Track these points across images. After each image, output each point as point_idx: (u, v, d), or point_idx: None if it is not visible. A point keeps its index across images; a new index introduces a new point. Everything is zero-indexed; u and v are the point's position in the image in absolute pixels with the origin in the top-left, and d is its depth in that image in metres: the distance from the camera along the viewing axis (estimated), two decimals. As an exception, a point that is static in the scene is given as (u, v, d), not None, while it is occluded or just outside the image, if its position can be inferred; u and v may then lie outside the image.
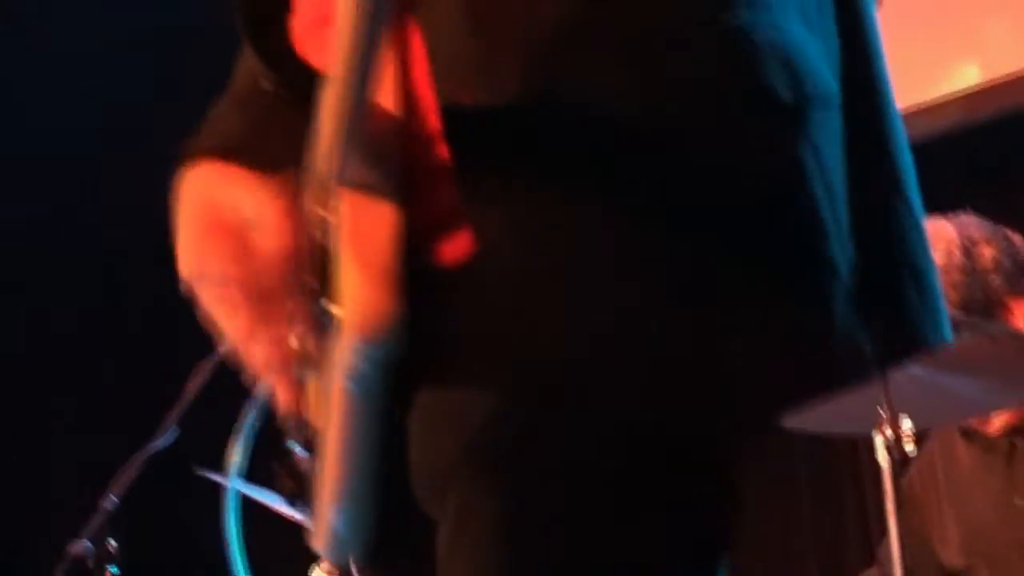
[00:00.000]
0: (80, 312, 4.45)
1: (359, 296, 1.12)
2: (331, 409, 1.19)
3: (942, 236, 3.06)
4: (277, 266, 1.19)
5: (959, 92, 4.33)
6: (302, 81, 1.27)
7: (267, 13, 1.31)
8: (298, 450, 1.30)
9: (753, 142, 1.08)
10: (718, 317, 1.06)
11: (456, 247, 1.13)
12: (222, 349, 1.28)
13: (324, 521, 1.23)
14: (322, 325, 1.21)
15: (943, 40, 4.44)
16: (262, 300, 1.21)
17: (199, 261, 1.23)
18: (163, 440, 3.23)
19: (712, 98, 1.07)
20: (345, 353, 1.14)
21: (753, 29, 1.09)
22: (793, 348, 1.08)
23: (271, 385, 1.25)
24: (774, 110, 1.08)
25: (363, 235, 1.13)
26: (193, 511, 4.25)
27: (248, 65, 1.36)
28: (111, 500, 3.31)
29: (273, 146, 1.27)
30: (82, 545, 3.30)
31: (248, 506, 3.15)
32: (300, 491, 1.30)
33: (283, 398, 1.24)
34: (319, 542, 1.25)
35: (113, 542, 3.30)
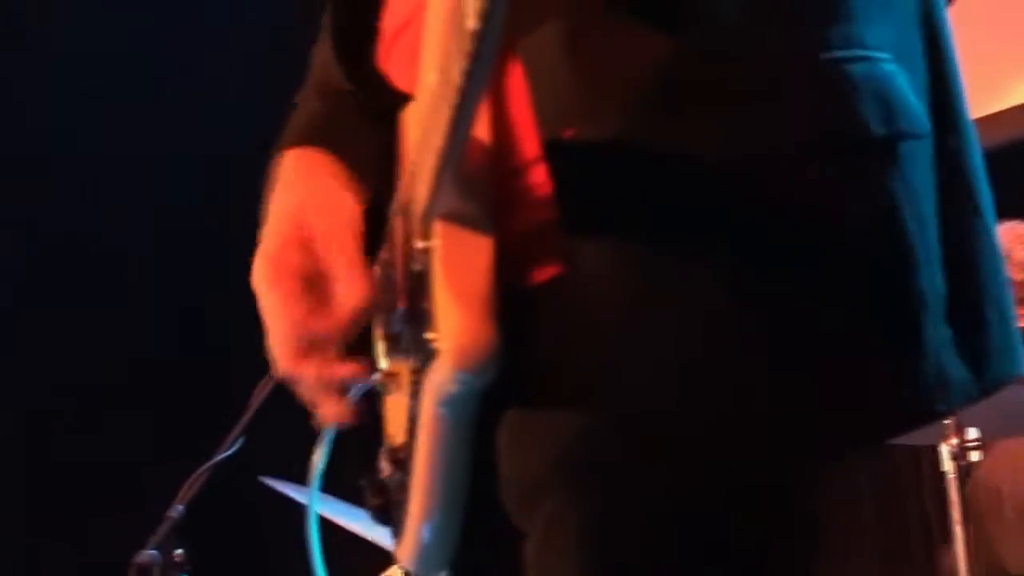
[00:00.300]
0: (155, 320, 4.47)
1: (456, 326, 1.14)
2: (422, 431, 1.21)
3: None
4: (343, 318, 1.21)
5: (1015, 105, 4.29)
6: (382, 96, 1.32)
7: (354, 26, 1.36)
8: (384, 466, 1.33)
9: (847, 177, 1.10)
10: (812, 351, 1.08)
11: (547, 271, 1.16)
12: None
13: (412, 536, 1.25)
14: (410, 347, 1.24)
15: (1003, 53, 4.40)
16: (316, 342, 1.23)
17: (268, 277, 1.25)
18: (230, 450, 3.25)
19: (807, 135, 1.09)
20: (440, 380, 1.16)
21: (848, 64, 1.11)
22: (886, 380, 1.10)
23: (319, 403, 1.27)
24: (868, 145, 1.10)
25: (460, 265, 1.15)
26: (258, 520, 4.29)
27: (325, 64, 1.40)
28: (177, 510, 3.33)
29: (356, 149, 1.31)
30: (148, 555, 3.32)
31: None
32: (385, 506, 1.34)
33: (331, 416, 1.27)
34: (405, 556, 1.27)
35: (180, 551, 3.32)
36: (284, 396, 2.99)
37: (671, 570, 1.10)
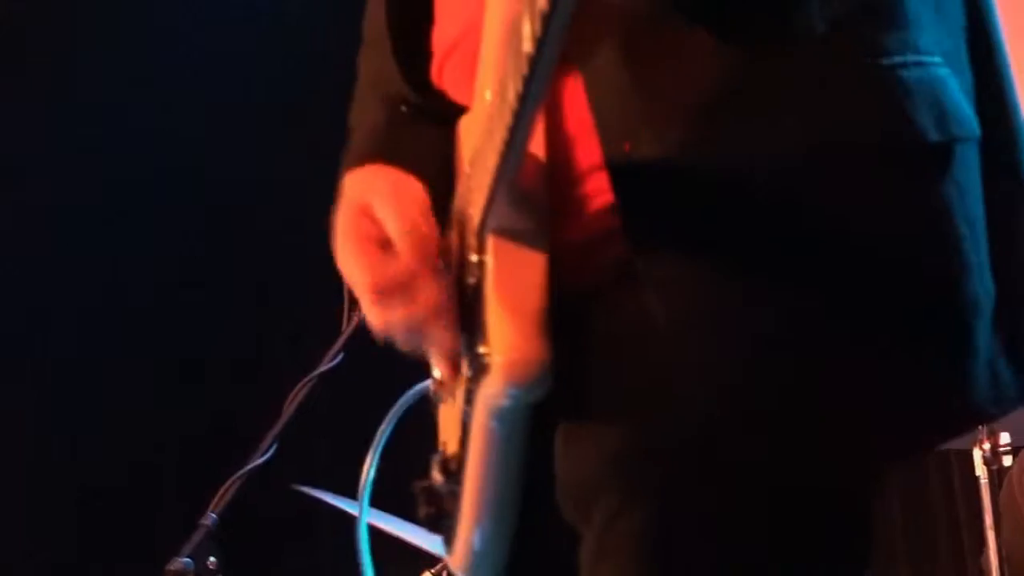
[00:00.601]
0: (186, 327, 4.49)
1: (508, 341, 1.15)
2: (474, 442, 1.23)
3: None
4: (407, 265, 1.24)
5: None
6: (441, 105, 1.35)
7: (413, 41, 1.39)
8: (436, 475, 1.35)
9: (903, 182, 1.11)
10: (867, 357, 1.10)
11: (604, 280, 1.17)
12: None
13: (464, 543, 1.27)
14: (468, 360, 1.25)
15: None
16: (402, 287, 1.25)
17: (342, 237, 1.29)
18: (263, 456, 3.26)
19: (864, 141, 1.11)
20: (491, 393, 1.18)
21: (903, 70, 1.12)
22: (939, 387, 1.12)
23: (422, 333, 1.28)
24: (923, 151, 1.11)
25: (513, 280, 1.16)
26: (292, 528, 4.31)
27: (381, 75, 1.44)
28: (211, 517, 3.34)
29: (423, 158, 1.34)
30: (181, 562, 3.33)
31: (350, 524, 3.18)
32: (437, 515, 1.35)
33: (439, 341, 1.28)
34: (457, 564, 1.29)
35: (213, 559, 3.32)
36: (317, 403, 3.01)
37: (731, 572, 1.11)
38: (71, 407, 4.36)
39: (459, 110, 1.34)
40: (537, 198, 1.18)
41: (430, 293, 1.23)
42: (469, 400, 1.23)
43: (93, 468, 4.37)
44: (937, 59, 1.15)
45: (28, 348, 4.38)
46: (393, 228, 1.24)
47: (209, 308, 4.50)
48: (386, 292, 1.24)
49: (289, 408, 3.26)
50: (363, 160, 1.37)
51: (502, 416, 1.18)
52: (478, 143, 1.18)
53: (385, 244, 1.25)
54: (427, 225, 1.24)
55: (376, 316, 1.26)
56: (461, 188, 1.29)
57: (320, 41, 3.63)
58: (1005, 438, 2.88)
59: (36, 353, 4.39)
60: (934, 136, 1.12)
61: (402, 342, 1.29)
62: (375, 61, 1.47)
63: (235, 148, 4.38)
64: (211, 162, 4.45)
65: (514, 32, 0.97)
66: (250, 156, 4.36)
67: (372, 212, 1.27)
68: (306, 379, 3.18)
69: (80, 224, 4.39)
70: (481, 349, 1.18)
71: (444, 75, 1.36)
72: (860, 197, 1.10)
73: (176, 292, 4.46)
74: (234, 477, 3.29)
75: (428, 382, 1.37)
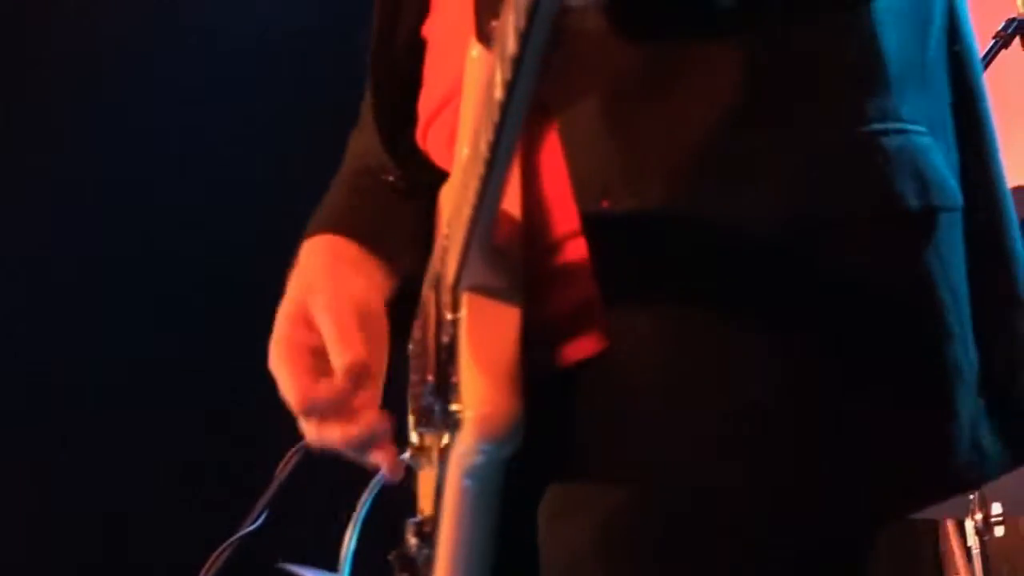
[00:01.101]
0: (173, 391, 4.45)
1: (480, 395, 1.14)
2: (447, 503, 1.20)
3: None
4: (339, 383, 1.23)
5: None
6: (423, 174, 1.35)
7: (396, 107, 1.38)
8: (410, 540, 1.33)
9: (883, 250, 1.11)
10: (850, 424, 1.09)
11: (585, 346, 1.16)
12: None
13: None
14: (439, 421, 1.23)
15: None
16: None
17: (278, 355, 1.29)
18: (254, 524, 3.23)
19: (843, 207, 1.11)
20: (464, 450, 1.16)
21: (884, 137, 1.12)
22: (921, 451, 1.11)
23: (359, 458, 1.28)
24: (903, 219, 1.12)
25: (486, 335, 1.15)
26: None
27: (363, 150, 1.44)
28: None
29: (385, 231, 1.35)
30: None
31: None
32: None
33: (378, 465, 1.28)
34: None
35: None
36: (306, 474, 2.97)
37: None
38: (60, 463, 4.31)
39: (441, 177, 1.34)
40: (511, 257, 1.17)
41: (368, 415, 1.24)
42: (443, 460, 1.21)
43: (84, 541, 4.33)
44: (921, 127, 1.15)
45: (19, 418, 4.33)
46: (329, 342, 1.23)
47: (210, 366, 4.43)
48: (317, 412, 1.25)
49: (280, 474, 3.23)
50: (322, 228, 1.37)
51: (474, 473, 1.17)
52: (455, 202, 1.17)
53: (320, 354, 1.25)
54: (364, 337, 1.23)
55: (310, 433, 1.27)
56: (438, 249, 1.29)
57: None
58: (997, 508, 2.86)
59: (24, 421, 4.34)
60: (915, 204, 1.12)
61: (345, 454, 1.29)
62: (361, 140, 1.47)
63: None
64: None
65: (489, 85, 0.98)
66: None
67: (310, 317, 1.27)
68: (295, 448, 3.16)
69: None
70: (453, 407, 1.17)
71: (428, 139, 1.36)
72: (842, 263, 1.10)
73: (175, 349, 4.42)
74: (225, 544, 3.26)
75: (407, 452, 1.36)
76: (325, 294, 1.28)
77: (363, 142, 1.46)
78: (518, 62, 0.90)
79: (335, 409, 1.24)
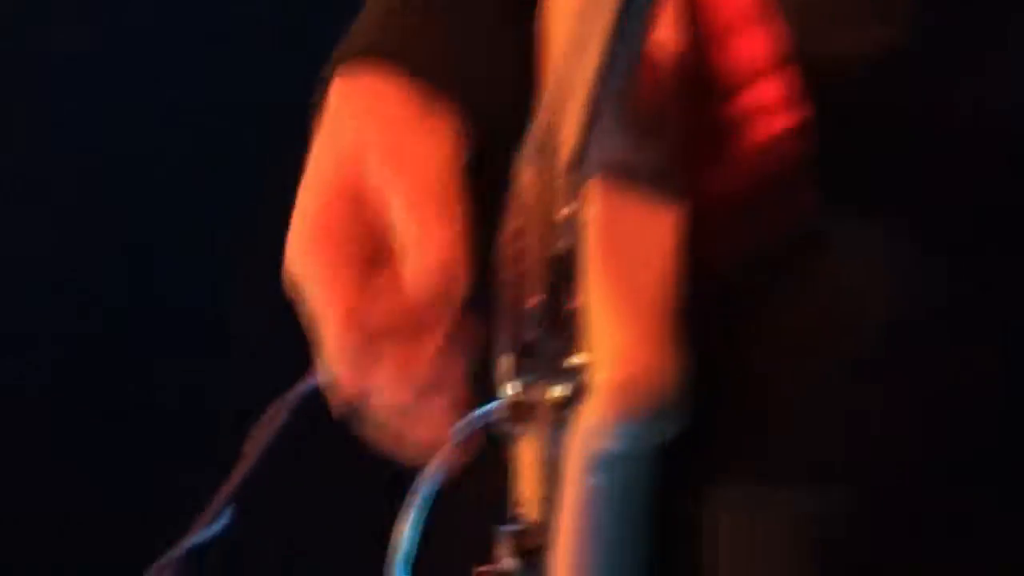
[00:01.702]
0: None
1: (619, 347, 0.89)
2: (566, 510, 0.94)
3: None
4: (418, 301, 0.97)
5: None
6: None
7: None
8: (505, 560, 1.01)
9: None
10: None
11: (769, 251, 0.93)
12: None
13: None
14: (549, 368, 0.96)
15: None
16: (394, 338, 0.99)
17: (307, 251, 1.00)
18: (214, 527, 2.99)
19: None
20: (595, 430, 0.90)
21: None
22: None
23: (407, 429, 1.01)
24: None
25: (628, 250, 0.91)
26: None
27: None
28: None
29: (465, 65, 1.06)
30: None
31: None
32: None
33: (432, 446, 1.00)
34: None
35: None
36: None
37: None
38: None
39: None
40: (667, 122, 0.92)
41: (438, 342, 0.98)
42: (555, 442, 0.95)
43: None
44: None
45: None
46: (407, 230, 0.96)
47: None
48: (371, 335, 0.96)
49: (248, 458, 3.18)
50: (369, 51, 1.05)
51: (611, 467, 0.91)
52: (577, 27, 0.91)
53: (377, 254, 0.98)
54: (455, 229, 0.98)
55: (346, 374, 0.98)
56: (547, 105, 1.00)
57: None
58: None
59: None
60: None
61: (376, 418, 1.01)
62: None
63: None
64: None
65: None
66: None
67: (365, 193, 0.99)
68: (268, 417, 3.14)
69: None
70: (576, 360, 0.91)
71: None
72: None
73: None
74: (176, 548, 3.23)
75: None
76: (396, 164, 0.98)
77: None
78: None
79: (397, 333, 0.97)
